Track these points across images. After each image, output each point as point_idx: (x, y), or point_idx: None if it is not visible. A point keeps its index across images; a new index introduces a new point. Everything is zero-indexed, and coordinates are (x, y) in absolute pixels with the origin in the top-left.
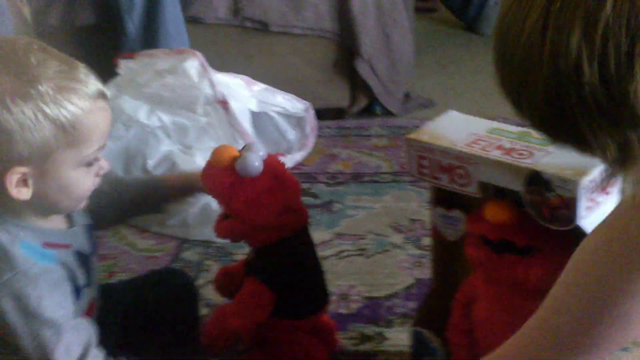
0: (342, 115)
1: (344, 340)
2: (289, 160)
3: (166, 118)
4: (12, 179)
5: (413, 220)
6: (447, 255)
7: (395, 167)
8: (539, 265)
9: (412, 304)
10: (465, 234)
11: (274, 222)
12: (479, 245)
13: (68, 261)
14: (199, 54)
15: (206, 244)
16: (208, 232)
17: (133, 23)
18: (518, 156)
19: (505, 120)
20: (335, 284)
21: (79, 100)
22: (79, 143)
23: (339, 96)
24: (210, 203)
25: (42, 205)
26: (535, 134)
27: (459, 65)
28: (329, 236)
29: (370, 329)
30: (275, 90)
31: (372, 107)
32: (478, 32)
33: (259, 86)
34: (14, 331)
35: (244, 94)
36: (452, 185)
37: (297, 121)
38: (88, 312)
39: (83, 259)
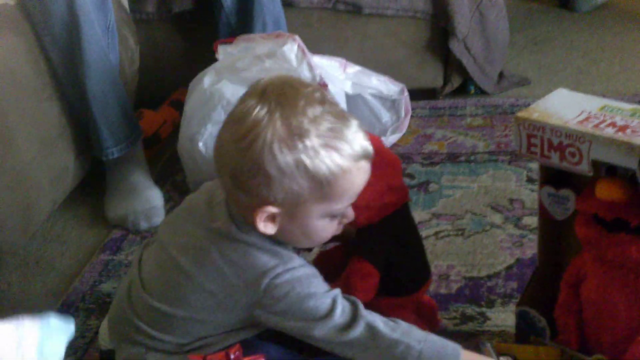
0: (435, 95)
1: (445, 320)
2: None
3: None
4: (262, 215)
5: (512, 200)
6: (554, 234)
7: (492, 146)
8: None
9: (513, 284)
10: (575, 213)
11: (377, 201)
12: (590, 224)
13: None
14: (297, 37)
15: None
16: None
17: (228, 6)
18: (632, 133)
19: (605, 97)
20: (434, 264)
21: (341, 160)
22: (330, 199)
23: (432, 77)
24: None
25: (288, 240)
26: None
27: (552, 43)
28: (426, 216)
29: (471, 309)
30: (370, 72)
31: (465, 87)
32: (572, 9)
33: (353, 68)
34: (286, 313)
35: (339, 76)
36: (563, 164)
37: (391, 103)
38: None
39: None
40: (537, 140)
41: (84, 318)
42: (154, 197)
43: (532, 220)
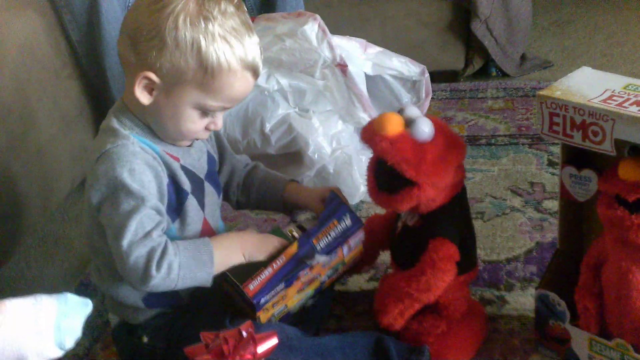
0: (456, 77)
1: None
2: None
3: (284, 81)
4: (142, 80)
5: (532, 184)
6: (575, 216)
7: (513, 129)
8: None
9: (532, 268)
10: (598, 194)
11: (454, 179)
12: (612, 205)
13: (174, 167)
14: (318, 17)
15: None
16: None
17: None
18: None
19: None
20: None
21: (232, 57)
22: (208, 90)
23: (453, 58)
24: (327, 166)
25: (155, 122)
26: None
27: (576, 25)
28: None
29: (490, 293)
30: (391, 53)
31: (487, 69)
32: None
33: (374, 49)
34: (101, 196)
35: (360, 57)
36: (586, 143)
37: (412, 85)
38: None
39: (192, 175)
40: (559, 119)
41: (101, 298)
42: None
43: (553, 204)
